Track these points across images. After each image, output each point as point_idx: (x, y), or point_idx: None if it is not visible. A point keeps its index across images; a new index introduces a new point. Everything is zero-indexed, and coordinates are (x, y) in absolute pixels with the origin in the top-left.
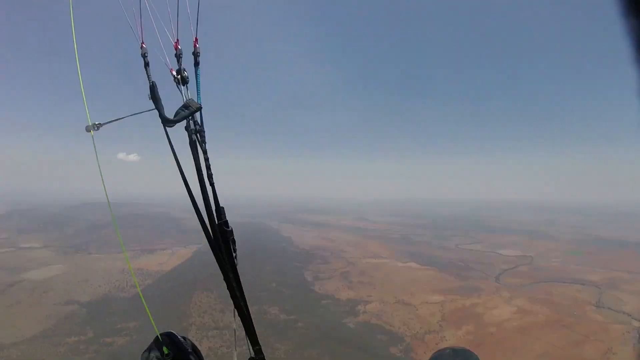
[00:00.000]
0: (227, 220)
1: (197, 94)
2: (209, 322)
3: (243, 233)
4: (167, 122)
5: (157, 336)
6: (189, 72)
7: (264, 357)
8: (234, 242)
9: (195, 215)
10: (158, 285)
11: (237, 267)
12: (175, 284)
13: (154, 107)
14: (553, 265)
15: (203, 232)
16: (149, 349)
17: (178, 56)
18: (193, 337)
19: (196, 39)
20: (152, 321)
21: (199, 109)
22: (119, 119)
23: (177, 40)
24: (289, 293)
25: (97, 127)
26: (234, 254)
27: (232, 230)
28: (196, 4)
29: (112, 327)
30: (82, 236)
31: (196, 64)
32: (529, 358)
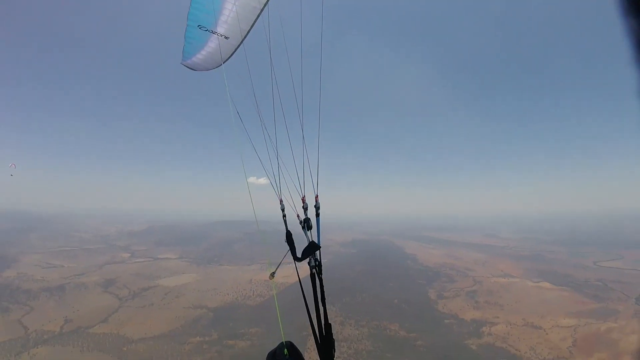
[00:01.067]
0: (332, 335)
1: (318, 237)
2: None
3: (366, 250)
4: (297, 259)
5: (282, 342)
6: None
7: None
8: (334, 342)
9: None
10: (282, 296)
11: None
12: (299, 295)
13: (289, 249)
14: None
15: (313, 338)
16: (274, 351)
17: (304, 208)
18: (310, 347)
19: (317, 196)
20: (281, 326)
21: (319, 248)
22: (281, 261)
23: (304, 196)
24: (411, 310)
25: (273, 275)
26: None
27: (334, 342)
28: (317, 167)
29: (235, 331)
30: (214, 250)
31: (317, 215)
32: None
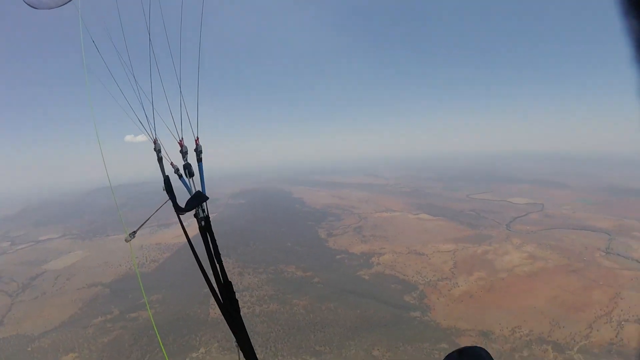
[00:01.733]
0: (234, 292)
1: (202, 186)
2: None
3: (255, 198)
4: (179, 211)
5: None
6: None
7: None
8: (236, 301)
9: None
10: (176, 257)
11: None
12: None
13: (168, 198)
14: (563, 212)
15: (214, 298)
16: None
17: (183, 153)
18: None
19: (197, 139)
20: (162, 348)
21: (206, 199)
22: (146, 220)
23: (182, 139)
24: (305, 251)
25: (133, 235)
26: (239, 314)
27: (237, 301)
28: (196, 105)
29: (135, 302)
30: (98, 221)
31: (199, 160)
32: (539, 301)
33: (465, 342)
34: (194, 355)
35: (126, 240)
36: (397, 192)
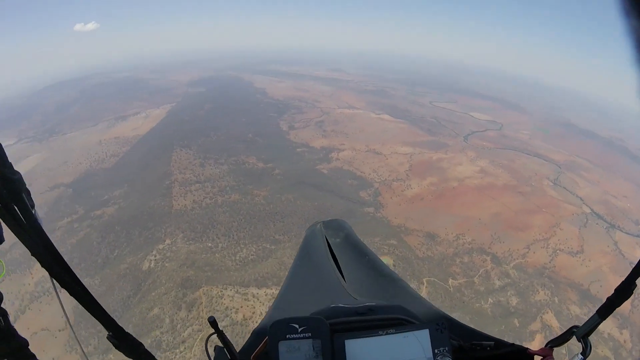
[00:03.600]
0: (11, 164)
1: None
2: (190, 177)
3: (213, 86)
4: None
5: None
6: None
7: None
8: (28, 194)
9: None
10: (136, 150)
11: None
12: (153, 145)
13: None
14: (520, 136)
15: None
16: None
17: None
18: (177, 193)
19: None
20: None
21: None
22: None
23: None
24: (265, 142)
25: None
26: (34, 213)
27: (21, 178)
28: None
29: (99, 199)
30: (51, 120)
31: None
32: (483, 214)
33: (412, 241)
34: (160, 247)
35: None
36: (361, 90)
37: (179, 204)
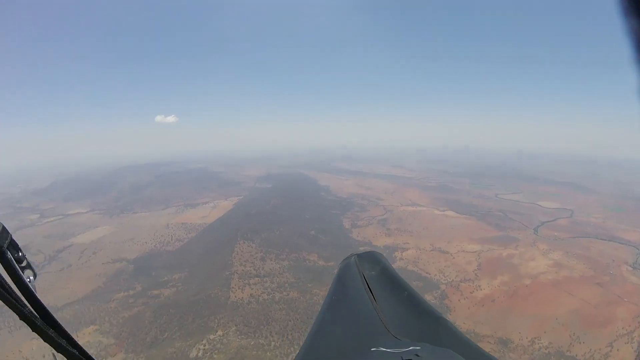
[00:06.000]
0: None
1: None
2: (250, 270)
3: (280, 182)
4: None
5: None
6: None
7: None
8: (14, 246)
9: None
10: (201, 238)
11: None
12: (218, 235)
13: None
14: (593, 220)
15: None
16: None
17: None
18: (235, 284)
19: None
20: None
21: None
22: None
23: None
24: (328, 240)
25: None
26: (18, 266)
27: (5, 230)
28: None
29: (158, 280)
30: (125, 198)
31: None
32: (560, 312)
33: (483, 347)
34: (212, 337)
35: None
36: (423, 186)
37: (236, 296)
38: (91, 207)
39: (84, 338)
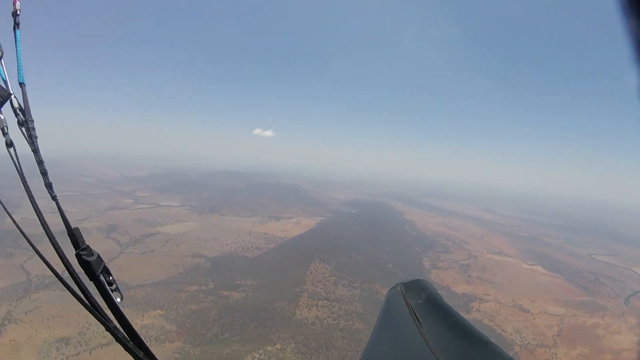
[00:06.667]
0: (88, 246)
1: (18, 69)
2: (320, 291)
3: (366, 211)
4: None
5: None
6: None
7: None
8: (107, 271)
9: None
10: (279, 250)
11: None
12: (295, 251)
13: None
14: None
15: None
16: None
17: None
18: (303, 303)
19: None
20: None
21: (8, 96)
22: None
23: None
24: (404, 276)
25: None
26: (110, 289)
27: (99, 258)
28: None
29: (231, 282)
30: (216, 199)
31: (16, 24)
32: None
33: None
34: (269, 348)
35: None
36: (514, 235)
37: (301, 314)
38: (182, 202)
39: (148, 320)
